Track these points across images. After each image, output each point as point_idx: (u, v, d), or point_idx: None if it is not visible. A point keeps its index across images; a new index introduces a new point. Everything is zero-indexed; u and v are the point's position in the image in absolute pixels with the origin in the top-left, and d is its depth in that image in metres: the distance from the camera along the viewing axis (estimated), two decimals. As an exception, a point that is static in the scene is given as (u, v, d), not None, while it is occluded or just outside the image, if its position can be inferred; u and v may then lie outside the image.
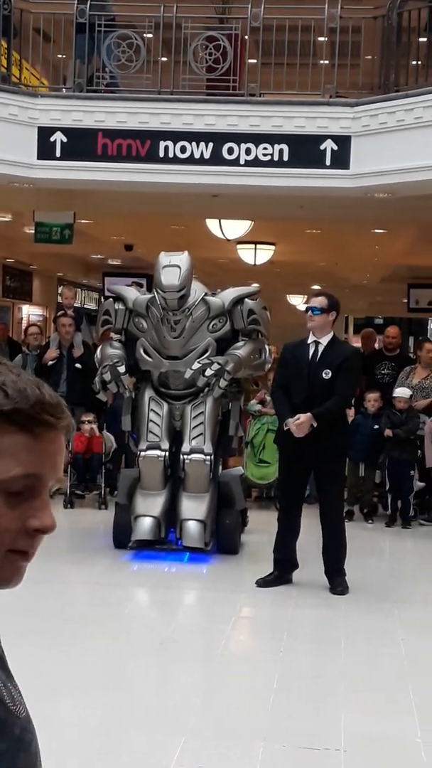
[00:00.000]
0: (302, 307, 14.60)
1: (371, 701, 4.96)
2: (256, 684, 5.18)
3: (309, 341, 7.09)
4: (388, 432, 9.65)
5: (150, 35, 10.98)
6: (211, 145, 10.15)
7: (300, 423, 6.79)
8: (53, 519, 1.12)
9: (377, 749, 4.35)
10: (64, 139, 10.20)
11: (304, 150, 10.08)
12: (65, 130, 10.20)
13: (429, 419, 10.13)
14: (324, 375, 6.92)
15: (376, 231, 14.26)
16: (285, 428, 6.91)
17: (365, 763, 4.20)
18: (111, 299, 8.46)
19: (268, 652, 5.85)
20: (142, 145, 10.21)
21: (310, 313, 7.06)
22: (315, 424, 6.79)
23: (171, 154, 10.19)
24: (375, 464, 9.98)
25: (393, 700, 4.96)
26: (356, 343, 15.14)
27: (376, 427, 9.82)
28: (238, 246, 15.67)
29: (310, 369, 6.99)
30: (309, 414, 6.81)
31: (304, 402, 6.91)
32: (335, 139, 10.04)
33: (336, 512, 7.20)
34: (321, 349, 7.02)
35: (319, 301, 7.11)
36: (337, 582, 7.00)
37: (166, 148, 10.19)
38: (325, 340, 7.05)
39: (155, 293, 7.96)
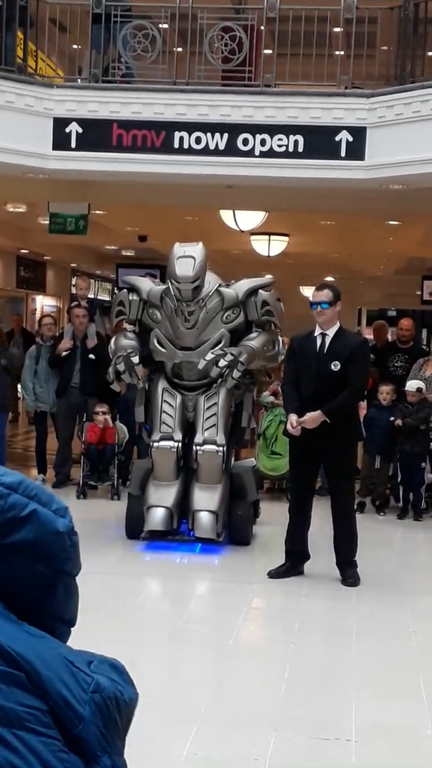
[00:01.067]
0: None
1: (382, 692, 4.98)
2: (268, 674, 5.21)
3: (316, 333, 7.11)
4: (398, 422, 9.64)
5: (166, 26, 10.97)
6: (226, 135, 10.14)
7: (304, 421, 6.81)
8: None
9: (388, 739, 4.37)
10: (80, 130, 10.20)
11: (319, 141, 10.05)
12: (80, 121, 10.21)
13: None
14: (333, 367, 6.92)
15: (391, 223, 14.23)
16: (289, 428, 6.94)
17: (376, 753, 4.21)
18: (125, 290, 8.46)
19: (279, 642, 5.87)
20: (157, 136, 10.21)
21: (318, 308, 7.07)
22: (328, 420, 6.81)
23: (186, 145, 10.18)
24: (391, 457, 9.97)
25: (404, 691, 4.98)
26: (368, 335, 15.12)
27: (392, 419, 9.80)
28: (252, 237, 15.66)
29: (318, 361, 7.00)
30: (318, 412, 6.83)
31: (313, 395, 6.92)
32: (350, 130, 10.01)
33: (347, 504, 7.21)
34: (328, 341, 7.04)
35: (326, 295, 7.12)
36: (348, 573, 7.02)
37: (181, 139, 10.18)
38: (331, 332, 7.06)
39: (169, 284, 7.96)
